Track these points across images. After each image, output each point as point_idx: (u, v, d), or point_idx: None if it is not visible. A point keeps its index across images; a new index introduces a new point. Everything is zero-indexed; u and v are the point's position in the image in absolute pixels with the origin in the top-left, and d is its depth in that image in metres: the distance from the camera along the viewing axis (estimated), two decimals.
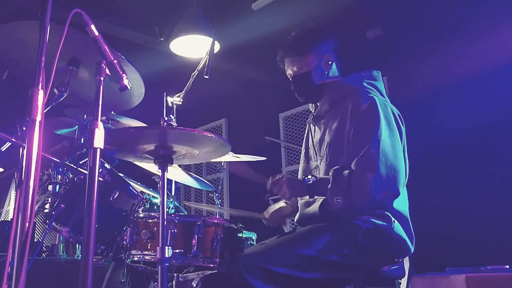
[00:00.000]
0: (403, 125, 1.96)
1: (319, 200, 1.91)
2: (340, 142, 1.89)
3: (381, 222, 1.79)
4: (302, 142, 2.29)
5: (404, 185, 1.86)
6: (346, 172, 1.77)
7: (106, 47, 1.46)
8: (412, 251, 1.88)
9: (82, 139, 2.91)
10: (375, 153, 1.74)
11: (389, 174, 1.72)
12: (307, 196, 1.91)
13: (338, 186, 1.75)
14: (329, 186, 1.77)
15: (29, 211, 1.11)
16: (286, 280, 1.67)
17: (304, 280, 1.70)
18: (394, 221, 1.81)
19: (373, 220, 1.79)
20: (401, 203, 1.89)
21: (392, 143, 1.80)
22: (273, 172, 1.94)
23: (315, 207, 1.91)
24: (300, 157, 2.27)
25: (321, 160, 1.99)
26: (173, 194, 3.15)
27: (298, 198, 2.08)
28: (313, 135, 2.12)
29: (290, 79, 2.11)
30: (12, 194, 5.69)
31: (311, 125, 2.16)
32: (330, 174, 1.80)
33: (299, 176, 2.17)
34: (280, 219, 2.22)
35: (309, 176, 1.83)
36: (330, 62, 2.07)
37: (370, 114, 1.84)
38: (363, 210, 1.82)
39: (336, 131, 1.93)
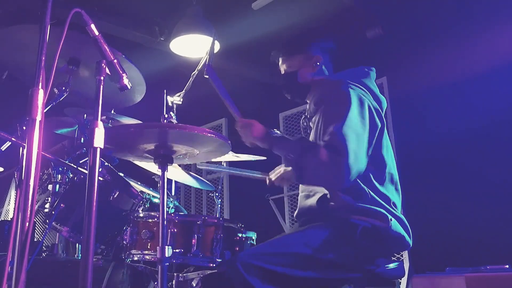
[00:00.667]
0: (381, 121, 1.93)
1: (317, 194, 1.91)
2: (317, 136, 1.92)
3: (378, 222, 1.79)
4: None
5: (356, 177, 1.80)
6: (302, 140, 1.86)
7: (106, 47, 1.46)
8: (411, 244, 1.88)
9: (82, 138, 2.91)
10: (337, 134, 1.75)
11: (345, 159, 1.71)
12: (304, 188, 1.95)
13: (293, 144, 1.85)
14: (292, 141, 1.83)
15: (29, 211, 1.11)
16: (284, 279, 1.67)
17: (302, 279, 1.71)
18: (391, 219, 1.81)
19: (370, 219, 1.79)
20: (395, 198, 1.90)
21: (357, 131, 1.79)
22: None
23: (313, 200, 1.92)
24: None
25: None
26: (173, 193, 3.15)
27: (299, 191, 2.08)
28: (308, 134, 2.14)
29: None
30: (12, 193, 5.69)
31: (305, 124, 2.19)
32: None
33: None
34: (283, 181, 2.21)
35: (276, 130, 1.92)
36: (318, 63, 2.10)
37: (341, 101, 1.85)
38: (358, 209, 1.81)
39: (316, 126, 1.95)
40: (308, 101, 2.14)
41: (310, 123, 2.08)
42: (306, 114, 2.15)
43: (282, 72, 2.17)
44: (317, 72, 2.11)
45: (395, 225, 1.82)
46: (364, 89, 1.97)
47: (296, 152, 1.84)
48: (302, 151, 1.83)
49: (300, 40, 2.18)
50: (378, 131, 1.90)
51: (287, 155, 1.87)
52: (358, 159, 1.73)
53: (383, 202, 1.83)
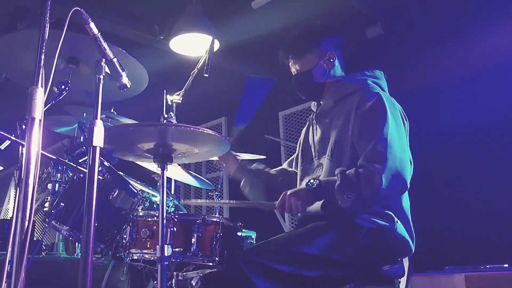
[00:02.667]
0: (406, 121, 1.97)
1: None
2: (345, 139, 1.88)
3: (384, 222, 1.79)
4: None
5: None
6: (352, 169, 1.73)
7: (105, 45, 1.46)
8: (413, 251, 1.88)
9: (82, 137, 2.91)
10: (383, 146, 1.72)
11: (398, 167, 1.70)
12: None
13: (346, 182, 1.70)
14: (337, 184, 1.71)
15: (28, 210, 1.10)
16: (286, 277, 1.66)
17: (305, 277, 1.70)
18: (397, 221, 1.80)
19: (375, 220, 1.79)
20: (404, 203, 1.90)
21: (399, 137, 1.80)
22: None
23: (317, 206, 1.91)
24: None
25: (324, 158, 1.98)
26: (172, 192, 3.15)
27: None
28: (314, 134, 2.11)
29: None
30: (12, 192, 5.69)
31: (313, 123, 2.15)
32: (336, 173, 1.76)
33: (299, 177, 2.15)
34: (231, 165, 2.15)
35: (311, 181, 1.78)
36: (332, 60, 2.06)
37: (377, 109, 1.83)
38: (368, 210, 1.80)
39: (341, 128, 1.91)
40: (321, 101, 2.11)
41: (324, 122, 2.05)
42: (316, 111, 2.13)
43: (294, 72, 2.10)
44: (331, 70, 2.06)
45: (400, 228, 1.81)
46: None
47: (353, 189, 1.69)
48: (357, 183, 1.69)
49: (311, 37, 2.09)
50: (408, 130, 1.95)
51: (345, 197, 1.70)
52: (407, 164, 1.74)
53: (391, 205, 1.84)
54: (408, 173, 1.74)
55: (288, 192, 1.80)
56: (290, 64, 2.12)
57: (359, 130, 1.82)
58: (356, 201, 1.70)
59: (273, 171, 2.31)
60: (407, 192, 1.93)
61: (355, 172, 1.71)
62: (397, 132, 1.81)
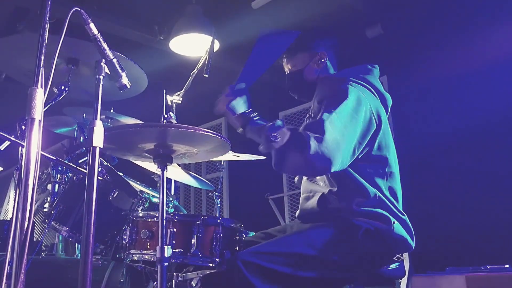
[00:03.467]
0: (379, 121, 1.89)
1: (317, 195, 1.91)
2: None
3: (381, 224, 1.78)
4: None
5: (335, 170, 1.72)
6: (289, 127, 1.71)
7: (105, 46, 1.46)
8: (413, 246, 1.87)
9: (81, 138, 2.90)
10: (324, 120, 1.69)
11: (331, 144, 1.64)
12: (304, 190, 1.91)
13: (276, 127, 1.68)
14: (268, 126, 1.70)
15: (28, 210, 1.10)
16: (285, 278, 1.66)
17: (303, 278, 1.70)
18: (394, 222, 1.80)
19: (372, 222, 1.78)
20: (398, 200, 1.89)
21: (348, 124, 1.74)
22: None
23: (313, 202, 1.91)
24: None
25: None
26: (172, 193, 3.15)
27: (301, 193, 2.07)
28: None
29: None
30: (11, 193, 5.69)
31: None
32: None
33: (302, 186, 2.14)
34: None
35: (255, 114, 1.83)
36: (323, 60, 2.08)
37: (337, 96, 1.81)
38: (361, 211, 1.79)
39: None
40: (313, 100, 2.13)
41: None
42: (310, 113, 2.14)
43: (287, 71, 2.14)
44: (323, 69, 2.09)
45: (398, 228, 1.80)
46: (368, 86, 1.95)
47: (282, 135, 1.67)
48: (288, 138, 1.67)
49: (303, 38, 2.10)
50: (373, 131, 1.85)
51: (270, 137, 1.67)
52: (340, 149, 1.67)
53: (387, 202, 1.83)
54: (338, 158, 1.66)
55: (230, 100, 1.87)
56: (283, 63, 2.15)
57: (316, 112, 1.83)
58: (275, 148, 1.67)
59: None
60: (400, 190, 1.92)
61: (291, 129, 1.69)
62: (348, 118, 1.75)
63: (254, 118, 1.84)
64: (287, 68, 2.14)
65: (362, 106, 1.82)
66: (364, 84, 1.95)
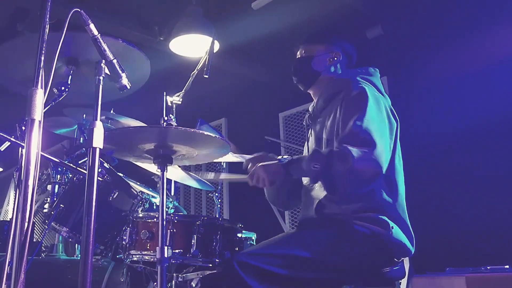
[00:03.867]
0: (395, 120, 1.93)
1: (315, 201, 1.89)
2: (336, 136, 1.87)
3: (378, 228, 1.77)
4: (302, 141, 2.29)
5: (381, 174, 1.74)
6: (326, 149, 1.75)
7: (105, 46, 1.46)
8: (413, 252, 1.87)
9: (81, 138, 2.90)
10: (359, 128, 1.72)
11: (373, 150, 1.67)
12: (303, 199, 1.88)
13: (316, 155, 1.72)
14: (307, 158, 1.74)
15: (28, 211, 1.10)
16: (281, 280, 1.66)
17: (300, 280, 1.70)
18: (392, 227, 1.78)
19: (370, 225, 1.77)
20: (400, 204, 1.88)
21: (379, 125, 1.78)
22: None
23: (311, 209, 1.90)
24: None
25: None
26: (172, 194, 3.14)
27: (302, 199, 2.06)
28: (310, 135, 2.12)
29: None
30: (11, 193, 5.69)
31: (309, 125, 2.17)
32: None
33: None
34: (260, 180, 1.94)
35: (285, 156, 1.84)
36: (335, 58, 2.12)
37: (359, 99, 1.83)
38: (360, 216, 1.78)
39: (331, 126, 1.92)
40: (314, 98, 2.14)
41: (317, 122, 2.06)
42: (310, 112, 2.14)
43: (298, 56, 2.18)
44: (331, 67, 2.12)
45: (396, 232, 1.78)
46: (373, 87, 1.98)
47: (322, 161, 1.69)
48: (327, 159, 1.69)
49: (327, 32, 2.20)
50: (395, 128, 1.90)
51: (312, 167, 1.70)
52: (384, 150, 1.72)
53: (386, 205, 1.81)
54: (383, 159, 1.70)
55: (259, 164, 1.83)
56: (298, 51, 2.19)
57: (342, 120, 1.84)
58: (322, 174, 1.69)
59: None
60: (404, 193, 1.91)
61: (329, 150, 1.72)
62: (377, 117, 1.80)
63: (285, 162, 1.81)
64: (299, 53, 2.18)
65: (381, 104, 1.88)
66: (370, 85, 1.97)
